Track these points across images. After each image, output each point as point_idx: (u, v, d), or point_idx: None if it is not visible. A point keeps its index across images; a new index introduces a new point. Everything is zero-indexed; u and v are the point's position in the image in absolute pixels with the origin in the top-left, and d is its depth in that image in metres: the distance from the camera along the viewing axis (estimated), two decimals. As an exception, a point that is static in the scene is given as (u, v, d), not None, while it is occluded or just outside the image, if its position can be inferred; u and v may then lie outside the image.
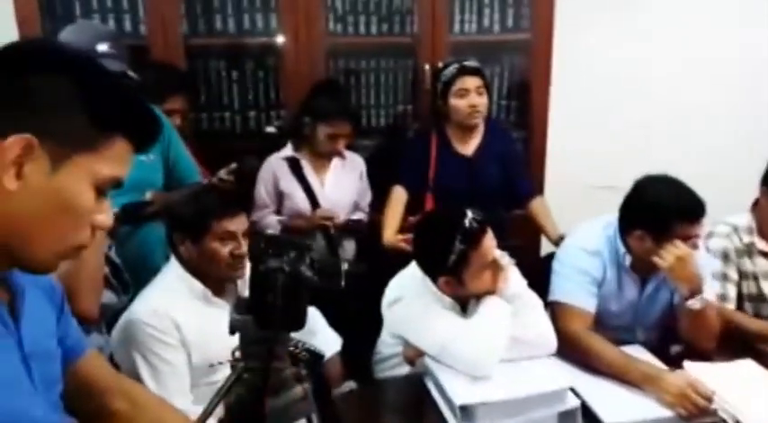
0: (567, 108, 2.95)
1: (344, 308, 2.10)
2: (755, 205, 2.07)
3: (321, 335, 2.01)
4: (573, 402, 1.56)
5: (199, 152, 2.46)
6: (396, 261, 1.96)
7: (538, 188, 2.73)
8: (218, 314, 1.67)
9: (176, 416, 1.14)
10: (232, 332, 0.90)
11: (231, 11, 2.62)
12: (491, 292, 1.71)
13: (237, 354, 0.90)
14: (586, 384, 1.66)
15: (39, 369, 0.85)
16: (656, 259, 1.76)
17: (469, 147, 2.54)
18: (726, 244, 2.04)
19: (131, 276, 1.75)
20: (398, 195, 2.51)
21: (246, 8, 2.63)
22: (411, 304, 1.76)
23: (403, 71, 2.85)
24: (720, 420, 1.55)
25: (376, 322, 1.89)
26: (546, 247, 2.63)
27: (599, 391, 1.64)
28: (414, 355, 1.76)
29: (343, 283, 0.96)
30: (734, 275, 2.04)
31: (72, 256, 0.83)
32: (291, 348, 0.93)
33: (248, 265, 1.72)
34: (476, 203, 1.77)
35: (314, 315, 2.04)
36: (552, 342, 1.73)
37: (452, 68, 2.44)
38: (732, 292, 2.03)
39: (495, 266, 1.70)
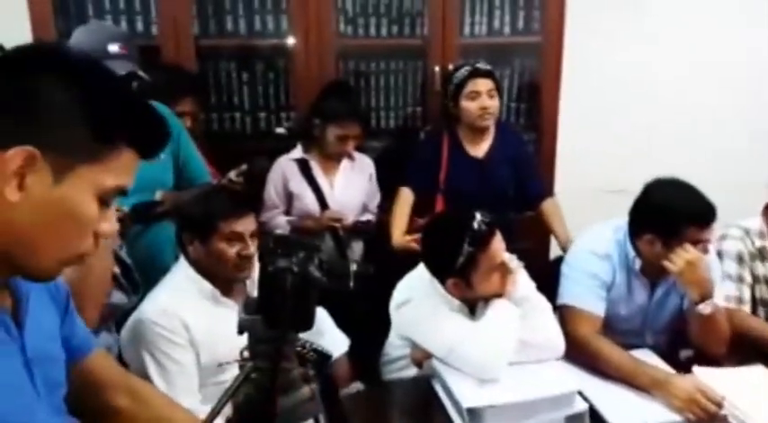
0: (577, 111, 2.94)
1: (352, 309, 2.10)
2: (767, 209, 2.05)
3: (329, 335, 2.02)
4: (581, 406, 1.55)
5: (209, 153, 2.47)
6: (404, 263, 1.96)
7: (549, 189, 2.71)
8: (227, 314, 1.68)
9: (181, 413, 1.14)
10: (240, 332, 0.90)
11: (242, 12, 2.63)
12: (499, 294, 1.71)
13: (246, 353, 0.91)
14: (595, 388, 1.65)
15: (41, 374, 0.85)
16: (666, 263, 1.75)
17: (481, 149, 2.54)
18: (740, 246, 2.03)
19: (141, 276, 1.76)
20: (405, 197, 2.51)
21: (257, 10, 2.64)
22: (419, 306, 1.76)
23: (413, 73, 2.85)
24: (730, 426, 1.54)
25: (384, 324, 1.89)
26: (555, 251, 2.62)
27: (607, 395, 1.64)
28: (421, 357, 1.76)
29: (351, 284, 0.96)
30: (748, 278, 2.03)
31: (75, 264, 0.82)
32: (299, 349, 0.93)
33: (257, 266, 1.73)
34: (486, 206, 1.77)
35: (321, 316, 2.04)
36: (560, 345, 1.72)
37: (464, 71, 2.44)
38: (748, 294, 2.02)
39: (504, 269, 1.69)
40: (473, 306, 1.76)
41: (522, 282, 1.75)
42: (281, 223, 2.47)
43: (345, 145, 2.45)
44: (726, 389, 1.59)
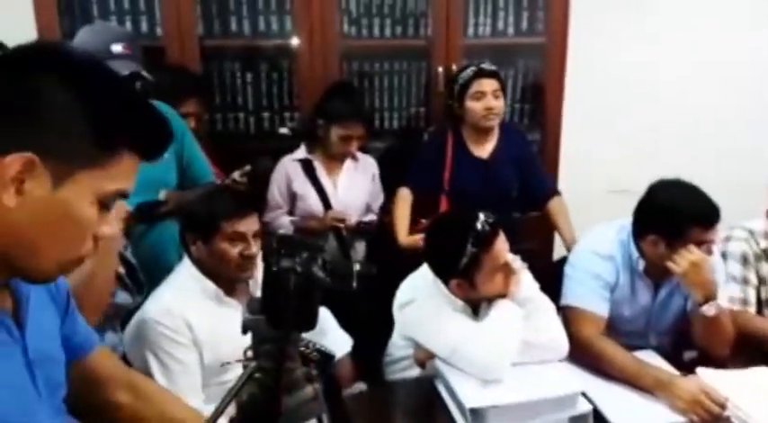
0: (580, 111, 2.94)
1: (356, 309, 2.10)
2: (771, 210, 2.05)
3: (331, 335, 2.02)
4: (584, 407, 1.55)
5: (213, 153, 2.48)
6: (407, 263, 1.96)
7: (556, 188, 2.70)
8: (230, 314, 1.68)
9: (183, 408, 1.15)
10: (244, 332, 0.90)
11: (246, 13, 2.63)
12: (503, 295, 1.71)
13: (249, 353, 0.91)
14: (598, 389, 1.65)
15: (43, 375, 0.85)
16: (669, 264, 1.75)
17: (485, 149, 2.54)
18: (745, 248, 2.02)
19: (145, 275, 1.76)
20: (403, 197, 2.52)
21: (261, 10, 2.64)
22: (422, 306, 1.76)
23: (416, 74, 2.85)
24: (733, 427, 1.54)
25: (387, 324, 1.89)
26: (559, 251, 2.62)
27: (611, 397, 1.63)
28: (424, 357, 1.76)
29: (354, 284, 0.96)
30: (754, 279, 2.01)
31: (74, 267, 0.82)
32: (302, 348, 0.93)
33: (260, 266, 1.73)
34: (490, 206, 1.77)
35: (324, 316, 2.04)
36: (564, 346, 1.72)
37: (469, 71, 2.44)
38: (753, 296, 2.01)
39: (507, 269, 1.69)
40: (476, 306, 1.76)
41: (526, 282, 1.75)
42: (284, 223, 2.48)
43: (349, 145, 2.45)
44: (729, 390, 1.59)
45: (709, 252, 1.77)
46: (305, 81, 2.67)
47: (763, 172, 2.03)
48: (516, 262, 1.70)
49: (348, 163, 2.54)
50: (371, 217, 2.60)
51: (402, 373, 1.87)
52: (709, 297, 1.74)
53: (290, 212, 2.53)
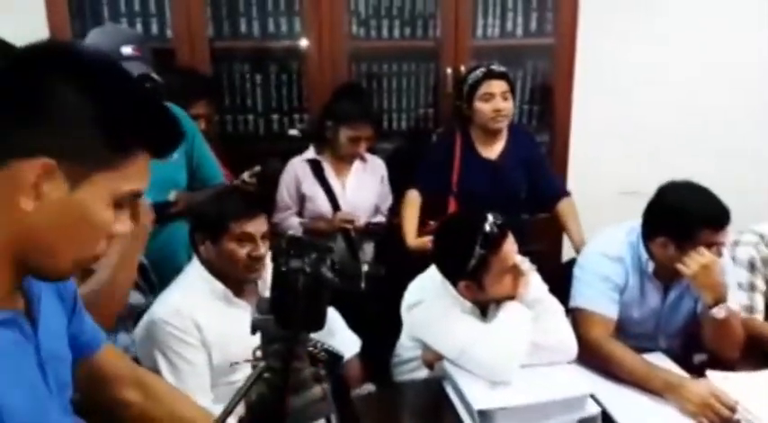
0: (590, 113, 2.94)
1: (364, 310, 2.10)
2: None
3: (340, 336, 2.02)
4: (593, 409, 1.55)
5: (223, 155, 2.49)
6: (416, 264, 1.96)
7: (565, 189, 2.69)
8: (239, 314, 1.69)
9: (192, 407, 1.15)
10: (253, 332, 0.91)
11: (256, 14, 2.64)
12: (511, 297, 1.70)
13: (258, 353, 0.91)
14: (607, 391, 1.64)
15: (53, 374, 0.86)
16: (679, 266, 1.74)
17: (494, 150, 2.53)
18: (753, 253, 2.00)
19: (155, 276, 1.77)
20: (412, 199, 2.51)
21: (271, 12, 2.65)
22: (431, 308, 1.76)
23: (425, 75, 2.85)
24: (744, 431, 1.53)
25: (395, 325, 1.89)
26: (568, 253, 2.61)
27: (620, 399, 1.63)
28: (433, 358, 1.76)
29: (363, 285, 0.96)
30: (762, 285, 2.00)
31: (88, 265, 0.84)
32: (311, 349, 0.93)
33: (269, 266, 1.74)
34: (499, 207, 1.77)
35: (333, 316, 2.05)
36: (573, 348, 1.72)
37: (478, 72, 2.43)
38: (760, 303, 1.99)
39: (516, 271, 1.69)
40: (485, 308, 1.76)
41: (535, 284, 1.75)
42: (293, 225, 2.49)
43: (357, 146, 2.45)
44: (739, 393, 1.58)
45: (719, 254, 1.76)
46: (314, 82, 2.68)
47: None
48: (525, 263, 1.70)
49: (357, 164, 2.54)
50: (380, 218, 2.60)
51: (410, 375, 1.87)
52: (720, 299, 1.73)
53: (299, 214, 2.54)
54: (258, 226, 1.76)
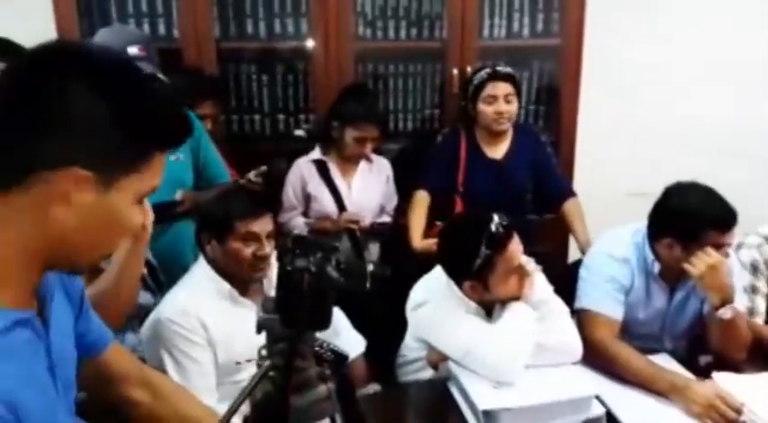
0: (596, 113, 2.93)
1: (369, 311, 2.11)
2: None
3: (345, 336, 2.03)
4: (598, 410, 1.54)
5: (229, 155, 2.50)
6: (421, 265, 1.96)
7: (572, 189, 2.68)
8: (245, 314, 1.70)
9: (198, 406, 1.15)
10: (259, 331, 0.91)
11: (262, 15, 2.65)
12: (516, 297, 1.70)
13: (263, 352, 0.92)
14: (612, 392, 1.64)
15: (61, 375, 0.86)
16: (687, 266, 1.73)
17: (499, 150, 2.53)
18: (755, 256, 1.99)
19: (163, 275, 1.78)
20: (421, 199, 2.50)
21: (277, 13, 2.66)
22: (436, 308, 1.76)
23: (431, 76, 2.85)
24: (750, 433, 1.52)
25: (400, 325, 1.90)
26: (573, 254, 2.60)
27: (625, 400, 1.63)
28: (437, 359, 1.76)
29: (368, 284, 0.97)
30: (764, 288, 1.99)
31: (107, 258, 0.86)
32: (316, 348, 0.93)
33: (275, 266, 1.74)
34: (505, 208, 1.77)
35: (338, 316, 2.05)
36: (578, 349, 1.72)
37: (483, 73, 2.43)
38: (762, 305, 1.98)
39: (521, 272, 1.69)
40: (490, 309, 1.76)
41: (540, 285, 1.75)
42: (299, 225, 2.49)
43: (363, 147, 2.46)
44: (745, 395, 1.57)
45: (726, 255, 1.75)
46: (320, 83, 2.68)
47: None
48: (530, 264, 1.70)
49: (362, 164, 2.55)
50: (385, 218, 2.60)
51: (415, 375, 1.87)
52: (726, 300, 1.72)
53: (305, 214, 2.54)
54: (263, 225, 1.76)
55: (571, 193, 2.59)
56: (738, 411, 1.53)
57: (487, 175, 2.49)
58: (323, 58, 2.65)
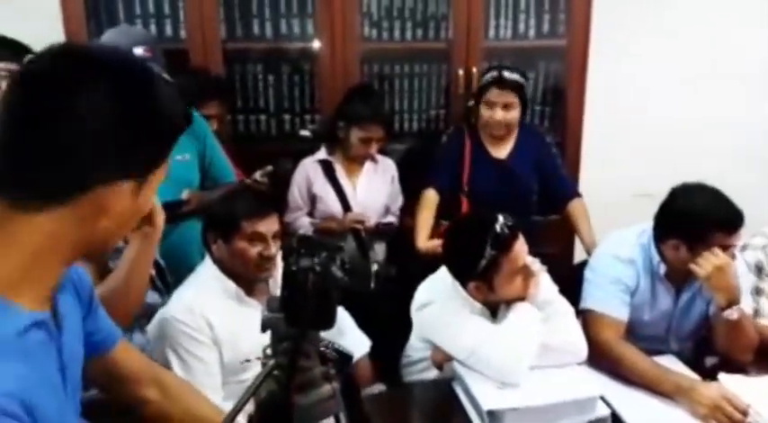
0: (602, 115, 2.92)
1: (374, 311, 2.11)
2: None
3: (350, 336, 2.03)
4: (603, 411, 1.54)
5: (235, 155, 2.51)
6: (426, 265, 1.96)
7: (577, 190, 2.67)
8: (250, 313, 1.70)
9: (206, 405, 1.16)
10: (263, 330, 0.91)
11: (269, 16, 2.66)
12: (522, 298, 1.70)
13: (268, 351, 0.92)
14: (617, 393, 1.64)
15: (70, 376, 0.86)
16: (693, 267, 1.73)
17: (503, 150, 2.53)
18: (760, 257, 1.99)
19: (169, 275, 1.79)
20: (430, 199, 2.49)
21: (284, 13, 2.67)
22: (441, 308, 1.76)
23: (437, 76, 2.85)
24: (755, 435, 1.52)
25: (405, 325, 1.90)
26: (579, 255, 2.60)
27: (630, 401, 1.62)
28: (442, 359, 1.76)
29: (373, 284, 0.97)
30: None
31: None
32: (321, 348, 0.94)
33: (280, 265, 1.75)
34: (510, 208, 1.77)
35: (342, 316, 2.06)
36: (583, 350, 1.71)
37: (489, 76, 2.43)
38: (766, 307, 1.97)
39: (526, 272, 1.69)
40: (495, 309, 1.76)
41: (545, 285, 1.74)
42: (304, 225, 2.50)
43: (369, 147, 2.46)
44: (751, 397, 1.57)
45: (732, 256, 1.75)
46: (326, 83, 2.69)
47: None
48: (535, 264, 1.70)
49: (367, 165, 2.55)
50: (391, 219, 2.60)
51: (420, 375, 1.87)
52: (733, 301, 1.72)
53: (310, 214, 2.55)
54: (269, 225, 1.77)
55: (576, 194, 2.59)
56: (744, 413, 1.53)
57: (492, 174, 2.49)
58: (329, 58, 2.65)
